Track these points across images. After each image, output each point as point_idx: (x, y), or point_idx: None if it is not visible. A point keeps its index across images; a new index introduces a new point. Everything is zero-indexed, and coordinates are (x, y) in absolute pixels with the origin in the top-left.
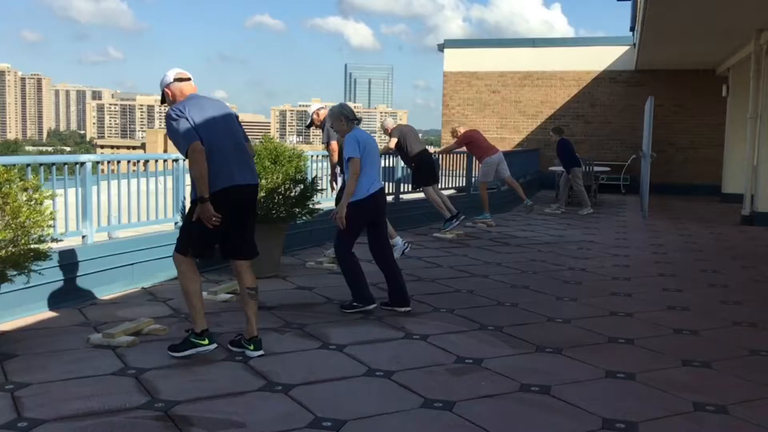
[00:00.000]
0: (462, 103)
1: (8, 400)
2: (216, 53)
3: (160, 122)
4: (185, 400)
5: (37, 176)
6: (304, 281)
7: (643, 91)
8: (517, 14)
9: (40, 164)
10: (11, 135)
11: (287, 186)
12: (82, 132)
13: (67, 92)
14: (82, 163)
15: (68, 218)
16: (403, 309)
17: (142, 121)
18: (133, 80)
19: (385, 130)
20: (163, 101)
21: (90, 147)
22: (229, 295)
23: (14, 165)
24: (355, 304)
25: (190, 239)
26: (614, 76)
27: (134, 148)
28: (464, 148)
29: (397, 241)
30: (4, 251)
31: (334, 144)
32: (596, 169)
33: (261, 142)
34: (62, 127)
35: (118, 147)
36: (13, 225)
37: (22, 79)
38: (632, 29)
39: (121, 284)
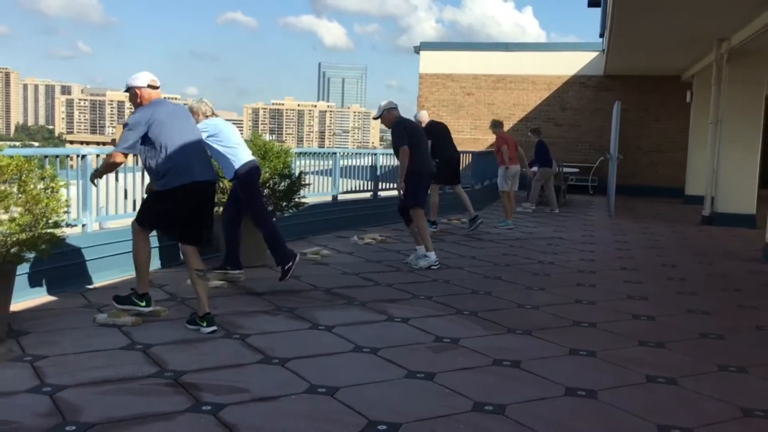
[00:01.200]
0: (437, 104)
1: (29, 369)
2: (187, 50)
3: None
4: (191, 370)
5: (53, 166)
6: None
7: (611, 96)
8: (490, 17)
9: (55, 156)
10: None
11: (275, 180)
12: (51, 127)
13: (36, 86)
14: (84, 156)
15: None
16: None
17: (111, 117)
18: (102, 75)
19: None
20: (127, 92)
21: (59, 142)
22: (220, 282)
23: (33, 156)
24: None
25: (149, 216)
26: (584, 81)
27: (104, 143)
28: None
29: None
30: (24, 234)
31: (406, 148)
32: (565, 170)
33: (250, 139)
34: (30, 122)
35: (87, 143)
36: (34, 211)
37: None
38: (602, 36)
39: (117, 271)
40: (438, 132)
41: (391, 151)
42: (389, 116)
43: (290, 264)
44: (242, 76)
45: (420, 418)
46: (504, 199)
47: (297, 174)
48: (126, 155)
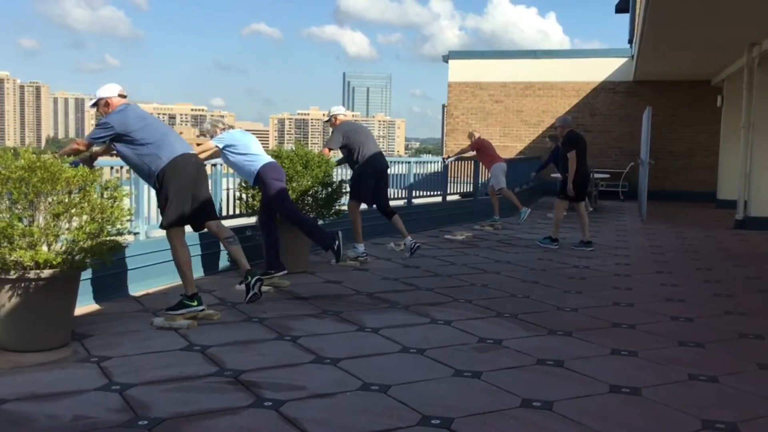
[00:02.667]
0: (466, 112)
1: (96, 369)
2: (212, 61)
3: None
4: (249, 370)
5: (117, 177)
6: (332, 276)
7: (640, 101)
8: (512, 23)
9: (117, 167)
10: (10, 142)
11: (316, 189)
12: None
13: (66, 100)
14: None
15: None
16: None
17: None
18: (130, 88)
19: (470, 136)
20: (94, 105)
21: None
22: (266, 288)
23: (99, 167)
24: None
25: (167, 216)
26: (613, 87)
27: None
28: (473, 154)
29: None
30: (90, 242)
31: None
32: (596, 175)
33: (292, 148)
34: (60, 135)
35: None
36: (99, 219)
37: (21, 87)
38: (630, 41)
39: (168, 277)
40: (581, 144)
41: (422, 159)
42: (335, 120)
43: (337, 243)
44: (268, 87)
45: (471, 413)
46: (492, 196)
47: (338, 182)
48: (86, 145)
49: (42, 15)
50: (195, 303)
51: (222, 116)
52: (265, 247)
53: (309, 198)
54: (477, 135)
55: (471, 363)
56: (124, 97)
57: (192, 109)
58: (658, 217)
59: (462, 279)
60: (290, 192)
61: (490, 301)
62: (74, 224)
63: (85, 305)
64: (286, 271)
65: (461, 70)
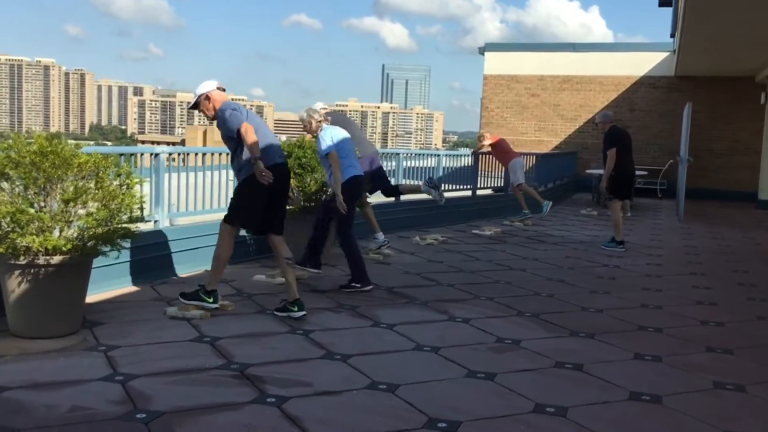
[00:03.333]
0: (501, 106)
1: (103, 358)
2: (253, 51)
3: (200, 119)
4: (257, 363)
5: (129, 164)
6: None
7: (681, 97)
8: (554, 17)
9: (130, 154)
10: (54, 128)
11: None
12: (123, 127)
13: (110, 87)
14: (157, 154)
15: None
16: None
17: (181, 118)
18: (173, 77)
19: (481, 138)
20: (195, 107)
21: (131, 142)
22: (283, 279)
23: (110, 154)
24: (354, 284)
25: (238, 213)
26: (653, 82)
27: (174, 143)
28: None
29: (379, 236)
30: (100, 229)
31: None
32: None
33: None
34: (104, 122)
35: (158, 142)
36: (111, 206)
37: (66, 74)
38: (673, 35)
39: (186, 266)
40: (625, 140)
41: (453, 152)
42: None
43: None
44: (307, 78)
45: (480, 417)
46: (516, 192)
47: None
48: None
49: (87, 2)
50: (211, 300)
51: (261, 106)
52: (309, 242)
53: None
54: (488, 138)
55: (486, 364)
56: (224, 90)
57: (232, 99)
58: (696, 217)
59: (486, 275)
60: (311, 182)
61: (513, 299)
62: (87, 210)
63: (102, 291)
64: (320, 272)
65: (497, 63)
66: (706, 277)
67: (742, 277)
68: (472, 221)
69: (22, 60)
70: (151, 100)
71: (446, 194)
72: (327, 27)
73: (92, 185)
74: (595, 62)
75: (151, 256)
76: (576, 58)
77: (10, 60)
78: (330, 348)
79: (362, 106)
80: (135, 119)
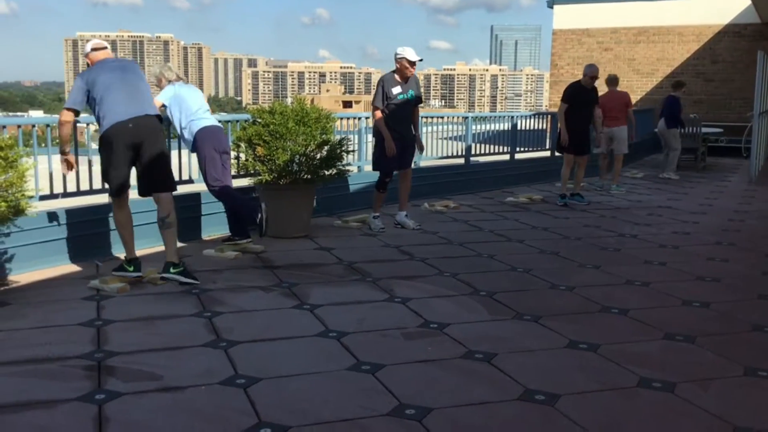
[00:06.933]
0: (571, 62)
1: None
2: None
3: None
4: (126, 352)
5: (13, 136)
6: (328, 242)
7: None
8: None
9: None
10: None
11: (312, 148)
12: (239, 98)
13: (225, 60)
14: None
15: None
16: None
17: (293, 87)
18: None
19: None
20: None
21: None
22: (235, 253)
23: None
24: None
25: (106, 178)
26: (739, 30)
27: None
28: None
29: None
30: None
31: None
32: (704, 130)
33: (291, 102)
34: (221, 94)
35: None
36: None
37: (185, 48)
38: None
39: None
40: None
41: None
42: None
43: (260, 216)
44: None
45: (322, 421)
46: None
47: (337, 140)
48: (72, 112)
49: None
50: (131, 268)
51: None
52: (226, 212)
53: (303, 158)
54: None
55: (382, 354)
56: (101, 50)
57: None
58: None
59: (471, 248)
60: (279, 152)
61: (479, 275)
62: None
63: (39, 269)
64: (250, 239)
65: (567, 16)
66: (732, 248)
67: None
68: (506, 187)
69: (143, 36)
70: (264, 71)
71: (477, 158)
72: None
73: None
74: (674, 11)
75: (101, 231)
76: (652, 7)
77: (132, 36)
78: (222, 334)
79: (470, 70)
80: (249, 90)
